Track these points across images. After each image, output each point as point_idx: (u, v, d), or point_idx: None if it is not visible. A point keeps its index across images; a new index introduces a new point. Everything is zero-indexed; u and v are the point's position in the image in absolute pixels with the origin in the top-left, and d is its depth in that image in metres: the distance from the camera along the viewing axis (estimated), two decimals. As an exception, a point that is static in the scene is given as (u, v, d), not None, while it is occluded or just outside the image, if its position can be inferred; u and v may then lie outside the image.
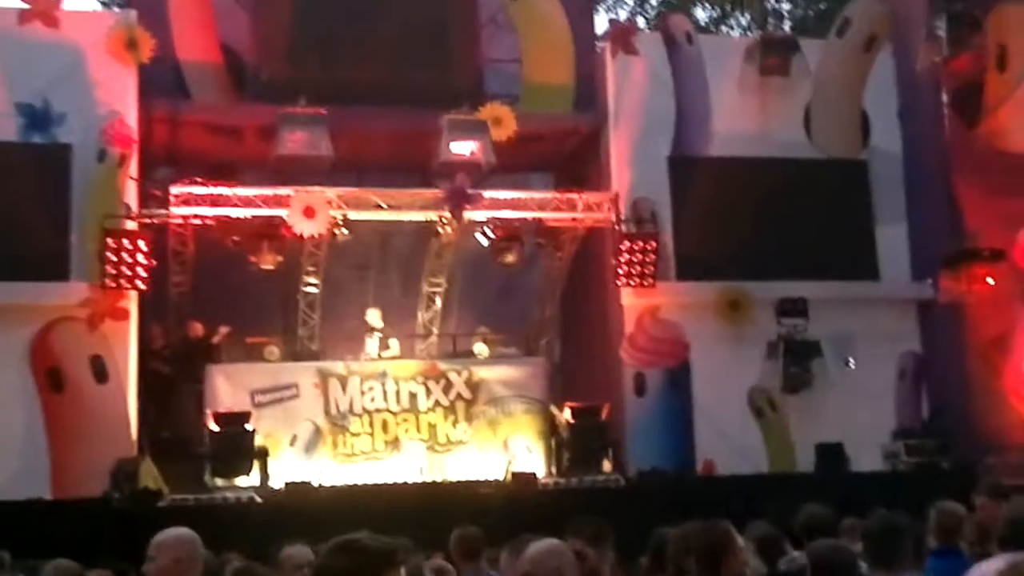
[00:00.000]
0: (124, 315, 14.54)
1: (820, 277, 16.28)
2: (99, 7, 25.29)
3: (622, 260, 15.67)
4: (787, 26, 25.24)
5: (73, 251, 14.61)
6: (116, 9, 22.02)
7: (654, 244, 15.75)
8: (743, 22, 26.57)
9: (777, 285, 16.16)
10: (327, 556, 3.24)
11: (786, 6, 26.41)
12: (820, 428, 15.37)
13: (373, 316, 15.91)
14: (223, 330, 15.13)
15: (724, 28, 26.79)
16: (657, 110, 16.81)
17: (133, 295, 14.58)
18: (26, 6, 15.19)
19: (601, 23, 21.75)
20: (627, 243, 15.68)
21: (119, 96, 15.07)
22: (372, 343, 15.71)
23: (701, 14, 26.71)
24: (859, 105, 17.55)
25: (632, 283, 15.77)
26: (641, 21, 25.95)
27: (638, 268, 15.68)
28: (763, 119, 17.15)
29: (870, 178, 17.38)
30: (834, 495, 7.68)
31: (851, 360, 16.27)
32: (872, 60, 17.71)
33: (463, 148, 15.88)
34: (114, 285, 14.14)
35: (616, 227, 15.99)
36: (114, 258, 14.03)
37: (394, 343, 15.87)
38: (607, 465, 14.70)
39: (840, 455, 14.72)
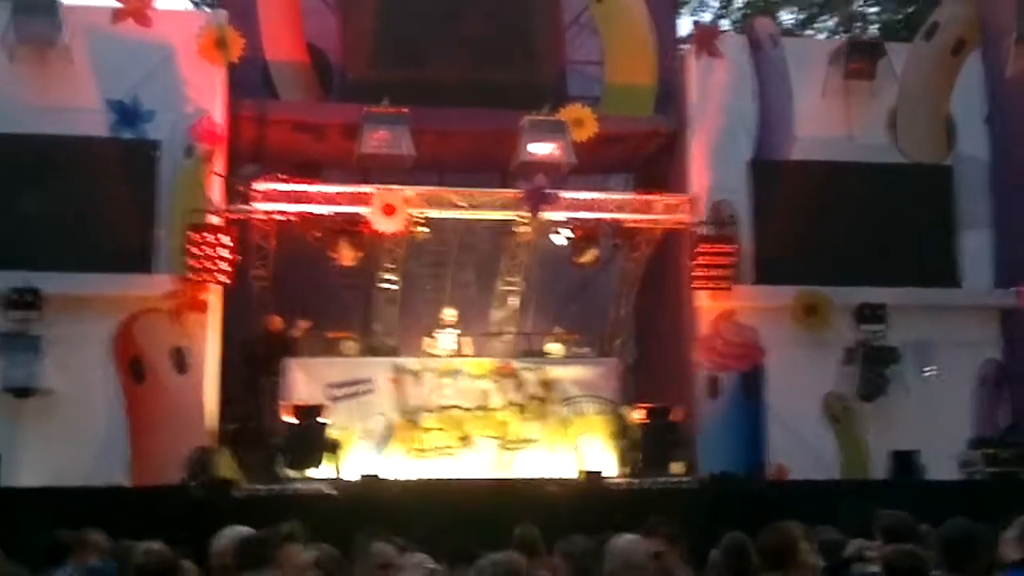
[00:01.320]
0: (206, 308, 14.87)
1: (900, 283, 16.10)
2: (190, 7, 25.86)
3: (699, 263, 15.64)
4: (873, 29, 24.98)
5: (158, 244, 14.97)
6: (207, 9, 22.50)
7: (733, 247, 15.70)
8: (829, 25, 26.35)
9: (856, 290, 16.02)
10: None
11: (873, 9, 26.08)
12: (895, 436, 15.18)
13: (448, 313, 16.07)
14: (302, 324, 15.41)
15: (810, 31, 26.56)
16: (739, 113, 16.73)
17: (215, 288, 14.93)
18: (119, 5, 15.60)
19: (685, 25, 21.72)
20: (705, 246, 15.65)
21: (207, 94, 15.41)
22: (446, 340, 15.86)
23: (787, 17, 26.50)
24: (945, 110, 17.28)
25: (709, 286, 15.74)
26: (725, 23, 25.89)
27: (715, 271, 15.64)
28: (847, 123, 16.96)
29: (954, 184, 17.10)
30: (908, 503, 7.59)
31: (931, 368, 16.03)
32: (960, 65, 17.42)
33: (543, 148, 15.96)
34: (197, 278, 14.49)
35: (694, 229, 15.96)
36: (198, 252, 14.37)
37: (465, 341, 16.00)
38: (678, 467, 14.71)
39: (915, 463, 14.51)
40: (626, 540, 5.28)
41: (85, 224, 14.70)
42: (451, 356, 15.77)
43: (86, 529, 7.67)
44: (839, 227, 16.33)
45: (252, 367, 15.49)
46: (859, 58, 17.01)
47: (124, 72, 15.22)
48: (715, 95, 16.87)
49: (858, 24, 23.57)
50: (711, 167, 16.62)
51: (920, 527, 6.54)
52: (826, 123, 16.84)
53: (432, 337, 15.89)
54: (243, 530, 5.19)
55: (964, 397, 16.22)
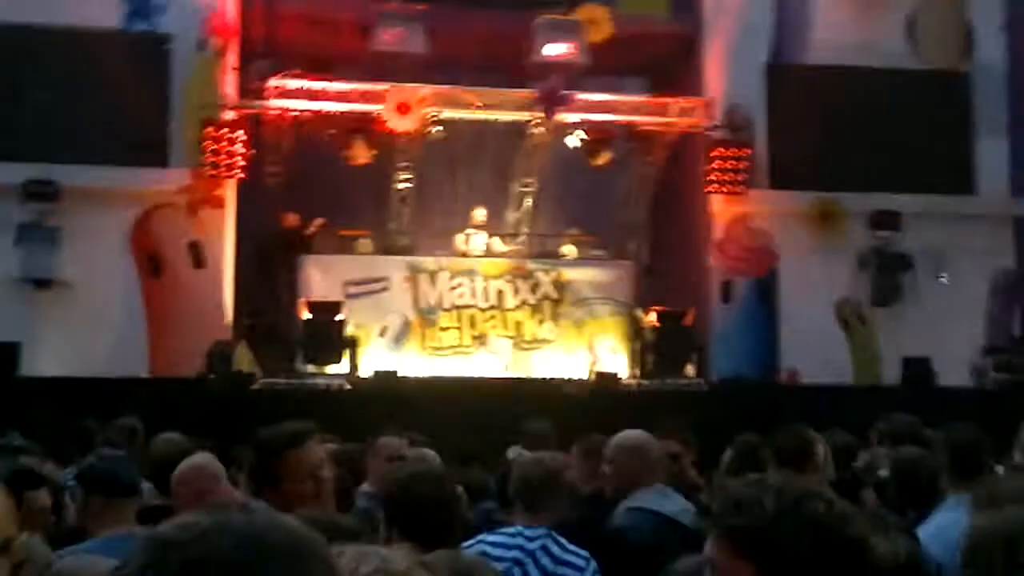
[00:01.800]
0: (222, 203, 14.88)
1: (915, 190, 16.09)
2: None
3: (714, 167, 15.62)
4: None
5: (173, 139, 14.92)
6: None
7: (747, 151, 15.67)
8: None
9: (871, 197, 16.03)
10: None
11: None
12: (908, 342, 15.23)
13: (479, 214, 16.06)
14: (317, 221, 15.40)
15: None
16: (755, 16, 16.55)
17: (231, 184, 14.90)
18: None
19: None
20: (720, 149, 15.63)
21: (221, -14, 15.24)
22: (477, 239, 15.88)
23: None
24: (964, 16, 17.09)
25: (724, 190, 15.75)
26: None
27: (730, 175, 15.65)
28: (864, 28, 16.78)
29: (972, 91, 17.01)
30: (919, 409, 7.68)
31: (944, 275, 16.09)
32: (979, -29, 17.25)
33: (557, 49, 15.83)
34: (212, 173, 14.47)
35: (709, 133, 15.90)
36: (213, 147, 14.33)
37: (496, 241, 16.04)
38: (690, 370, 14.84)
39: (927, 369, 14.61)
40: (633, 433, 5.30)
41: (100, 117, 14.59)
42: (484, 256, 15.79)
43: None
44: (855, 133, 16.27)
45: (268, 263, 15.51)
46: (878, -39, 16.81)
47: (138, -38, 15.03)
48: (731, -2, 16.69)
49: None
50: (727, 71, 16.51)
51: (926, 431, 6.63)
52: (843, 28, 16.67)
53: (465, 234, 15.88)
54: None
55: (977, 305, 16.26)
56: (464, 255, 15.77)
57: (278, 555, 1.30)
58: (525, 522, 4.29)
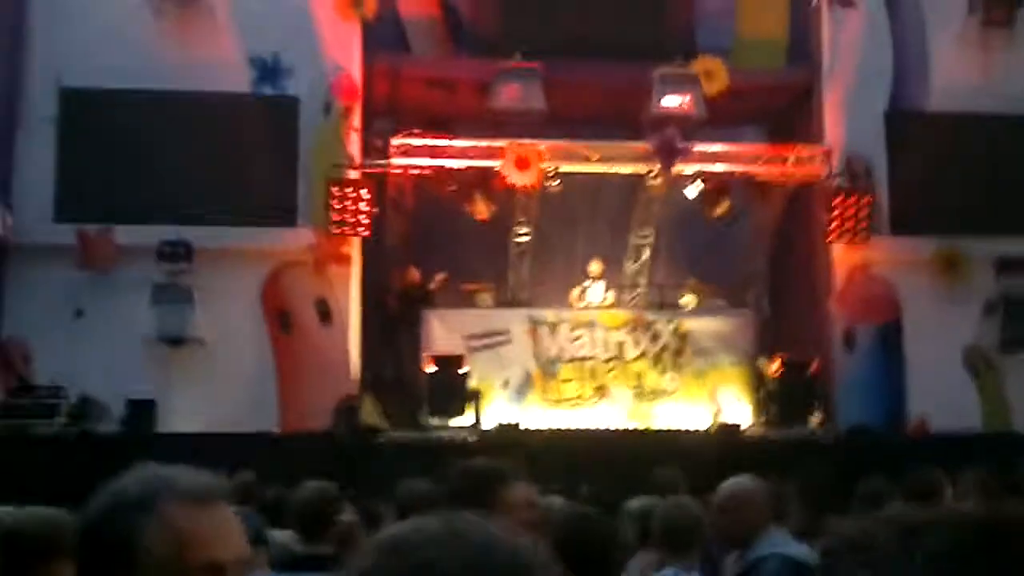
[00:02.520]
0: (347, 260, 15.25)
1: (1042, 234, 15.81)
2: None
3: (834, 215, 15.53)
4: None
5: (300, 199, 15.35)
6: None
7: (868, 199, 15.55)
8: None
9: (996, 242, 15.77)
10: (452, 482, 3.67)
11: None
12: (1039, 389, 14.98)
13: (595, 267, 16.20)
14: (439, 276, 15.68)
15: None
16: (874, 63, 16.48)
17: (356, 241, 15.27)
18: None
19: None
20: (840, 198, 15.53)
21: (344, 50, 15.69)
22: (593, 292, 16.01)
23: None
24: (1087, 57, 16.83)
25: (844, 239, 15.62)
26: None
27: (851, 223, 15.51)
28: (985, 73, 16.61)
29: (1096, 133, 16.69)
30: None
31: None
32: (1102, 11, 16.94)
33: (674, 101, 15.95)
34: (338, 231, 14.84)
35: (829, 182, 15.84)
36: (338, 206, 14.71)
37: (610, 294, 16.15)
38: (815, 419, 14.70)
39: (1058, 416, 14.34)
40: (746, 479, 5.34)
41: (230, 179, 15.13)
42: (600, 308, 15.90)
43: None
44: (976, 178, 16.04)
45: (392, 318, 15.82)
46: (997, 6, 16.63)
47: (264, 29, 15.50)
48: (849, 46, 16.65)
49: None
50: (845, 119, 16.44)
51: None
52: (963, 73, 16.50)
53: (581, 288, 16.02)
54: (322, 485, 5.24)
55: (1110, 350, 15.86)
56: (581, 307, 15.86)
57: (506, 567, 1.29)
58: (673, 565, 4.36)
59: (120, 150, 15.09)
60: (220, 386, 14.42)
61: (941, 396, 15.17)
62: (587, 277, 16.16)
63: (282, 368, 14.83)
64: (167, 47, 15.33)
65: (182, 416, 13.99)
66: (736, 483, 5.25)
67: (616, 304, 16.17)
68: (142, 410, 13.32)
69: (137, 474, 2.05)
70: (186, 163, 15.14)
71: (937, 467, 5.80)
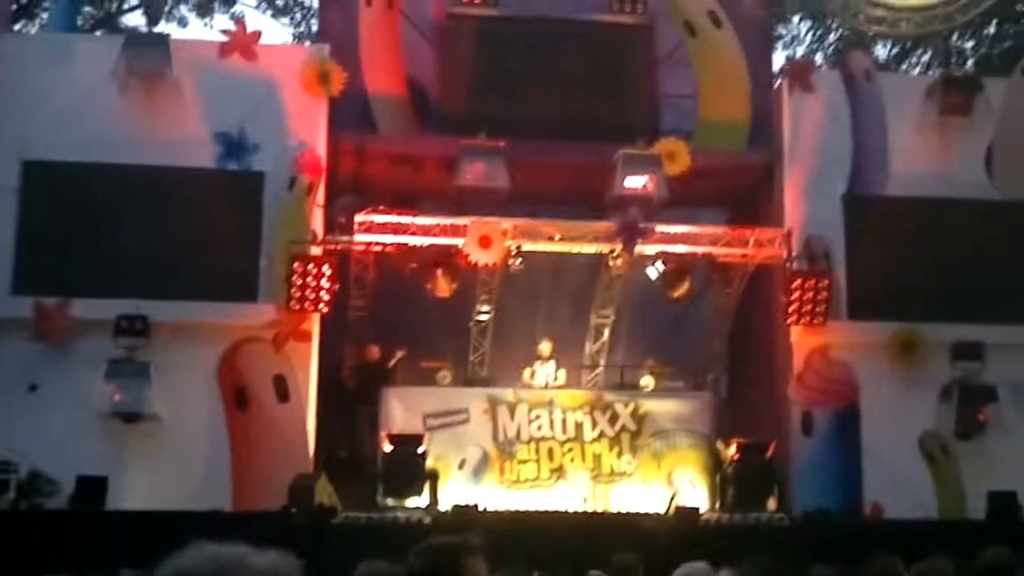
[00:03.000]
0: (307, 337, 15.18)
1: (998, 320, 15.92)
2: (292, 41, 26.44)
3: (793, 298, 15.63)
4: (970, 64, 24.76)
5: (262, 274, 15.33)
6: (309, 43, 22.97)
7: (826, 282, 15.66)
8: (924, 60, 26.16)
9: (953, 328, 15.88)
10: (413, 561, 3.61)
11: (969, 44, 25.85)
12: (994, 476, 14.97)
13: (545, 347, 16.23)
14: (399, 354, 15.67)
15: (904, 66, 26.39)
16: (833, 148, 16.71)
17: (316, 318, 15.23)
18: (226, 40, 16.06)
19: (778, 60, 21.73)
20: (799, 280, 15.63)
21: (310, 127, 15.77)
22: (542, 372, 16.01)
23: (881, 51, 26.37)
24: (1043, 147, 17.09)
25: (803, 321, 15.70)
26: (819, 58, 25.83)
27: (809, 306, 15.61)
28: (943, 159, 16.86)
29: (1052, 221, 16.92)
30: (1006, 545, 7.56)
31: (1028, 407, 15.85)
32: (1059, 100, 17.25)
33: (636, 182, 16.10)
34: (299, 308, 14.79)
35: (788, 264, 15.96)
36: (300, 282, 14.68)
37: (561, 373, 16.14)
38: (772, 503, 14.70)
39: (1014, 504, 14.31)
40: (700, 565, 5.38)
41: (192, 254, 15.12)
42: (550, 388, 15.89)
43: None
44: (935, 263, 16.22)
45: (350, 396, 15.75)
46: (955, 93, 16.92)
47: (230, 105, 15.60)
48: (809, 130, 16.88)
49: (954, 59, 23.40)
50: (805, 202, 16.62)
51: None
52: (921, 159, 16.76)
53: (531, 369, 16.03)
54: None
55: (1065, 437, 15.96)
56: (529, 387, 15.89)
57: None
58: None
59: (81, 223, 15.10)
60: (174, 463, 14.31)
61: (897, 482, 15.23)
62: (536, 357, 16.16)
63: (237, 446, 14.71)
64: (132, 122, 15.38)
65: (134, 493, 13.85)
66: (691, 568, 5.28)
67: (567, 384, 16.13)
68: (92, 487, 13.15)
69: (203, 554, 2.03)
70: (147, 237, 15.11)
71: (893, 555, 5.80)
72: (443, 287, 15.54)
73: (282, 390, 14.90)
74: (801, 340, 16.04)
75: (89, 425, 14.30)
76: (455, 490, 14.70)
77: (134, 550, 8.90)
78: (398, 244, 15.46)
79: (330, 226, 15.65)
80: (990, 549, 6.96)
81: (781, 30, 26.65)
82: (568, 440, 15.48)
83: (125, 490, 13.83)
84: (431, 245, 15.48)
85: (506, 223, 15.57)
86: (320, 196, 15.71)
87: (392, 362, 15.67)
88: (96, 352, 14.48)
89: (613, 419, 15.60)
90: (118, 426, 14.46)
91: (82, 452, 13.85)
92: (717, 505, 15.05)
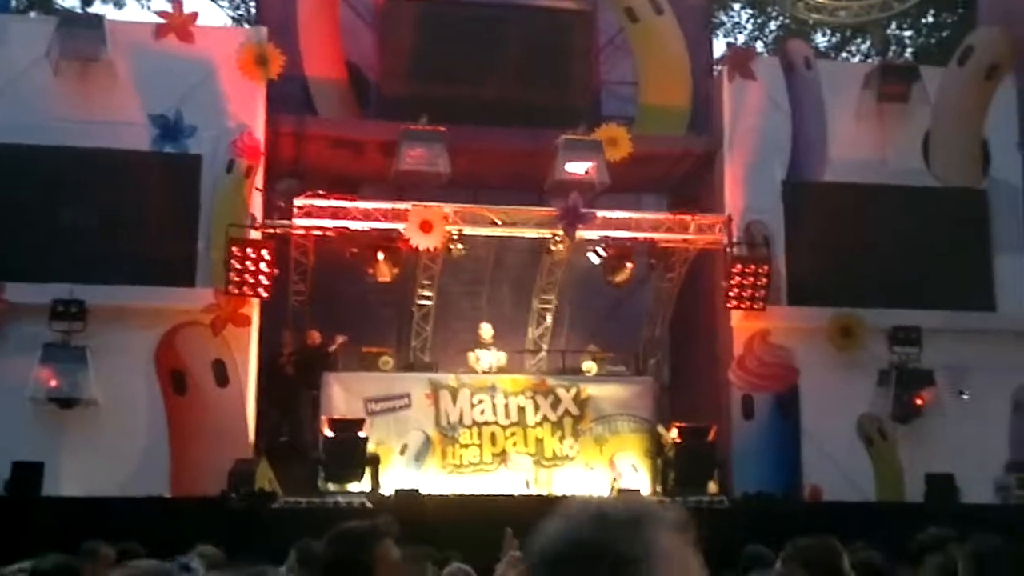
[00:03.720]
0: (246, 321, 15.02)
1: (935, 306, 16.15)
2: (231, 23, 26.12)
3: (733, 283, 15.71)
4: (908, 53, 25.05)
5: (199, 258, 15.15)
6: (247, 26, 22.71)
7: (766, 268, 15.76)
8: (863, 48, 26.43)
9: (891, 313, 16.07)
10: (325, 550, 3.60)
11: (907, 33, 26.16)
12: (931, 458, 15.17)
13: (486, 330, 16.19)
14: (340, 339, 15.54)
15: (844, 54, 26.64)
16: (773, 134, 16.84)
17: (255, 302, 15.06)
18: (162, 21, 15.83)
19: (719, 47, 21.83)
20: (739, 266, 15.71)
21: (248, 110, 15.60)
22: (487, 357, 15.97)
23: (821, 39, 26.60)
24: (980, 134, 17.34)
25: (743, 306, 15.79)
26: (759, 46, 25.98)
27: (749, 291, 15.70)
28: (881, 146, 17.07)
29: (989, 208, 17.16)
30: (943, 526, 7.62)
31: (965, 392, 16.05)
32: (993, 89, 17.49)
33: (578, 168, 16.10)
34: (237, 292, 14.62)
35: (728, 250, 16.04)
36: (238, 266, 14.51)
37: (502, 357, 16.12)
38: (712, 486, 14.78)
39: (951, 486, 14.52)
40: None
41: (128, 237, 14.91)
42: (492, 373, 15.85)
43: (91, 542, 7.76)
44: (873, 249, 16.42)
45: (290, 381, 15.61)
46: (893, 81, 17.13)
47: (166, 87, 15.41)
48: (749, 116, 16.98)
49: (893, 48, 23.68)
50: (745, 188, 16.72)
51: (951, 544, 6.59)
52: (860, 146, 16.94)
53: (475, 354, 15.98)
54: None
55: (1000, 421, 16.20)
56: (473, 372, 15.84)
57: None
58: None
59: (15, 206, 14.82)
60: (111, 449, 14.11)
61: (836, 465, 15.40)
62: (478, 342, 16.12)
63: (175, 431, 14.53)
64: (66, 104, 15.13)
65: (71, 479, 13.63)
66: None
67: (509, 369, 16.12)
68: (28, 473, 12.92)
69: None
70: (83, 220, 14.92)
71: (830, 535, 5.82)
72: (384, 272, 15.46)
73: (221, 375, 14.74)
74: (741, 325, 16.14)
75: (24, 410, 14.06)
76: (397, 475, 14.65)
77: (72, 536, 8.80)
78: (338, 228, 15.32)
79: (269, 210, 15.46)
80: (928, 530, 7.03)
81: (722, 17, 26.84)
82: (511, 424, 15.46)
83: (62, 476, 13.61)
84: (372, 229, 15.37)
85: (447, 208, 15.48)
86: (259, 179, 15.54)
87: (333, 347, 15.54)
88: (31, 336, 14.25)
89: (555, 404, 15.61)
90: (54, 411, 14.23)
91: (17, 438, 13.63)
92: (658, 488, 15.10)
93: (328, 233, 15.38)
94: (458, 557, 6.75)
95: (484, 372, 15.80)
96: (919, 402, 15.74)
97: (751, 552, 6.59)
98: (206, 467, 13.93)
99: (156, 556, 8.01)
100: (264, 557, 6.91)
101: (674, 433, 14.98)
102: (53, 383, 14.14)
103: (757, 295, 15.70)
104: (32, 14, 23.50)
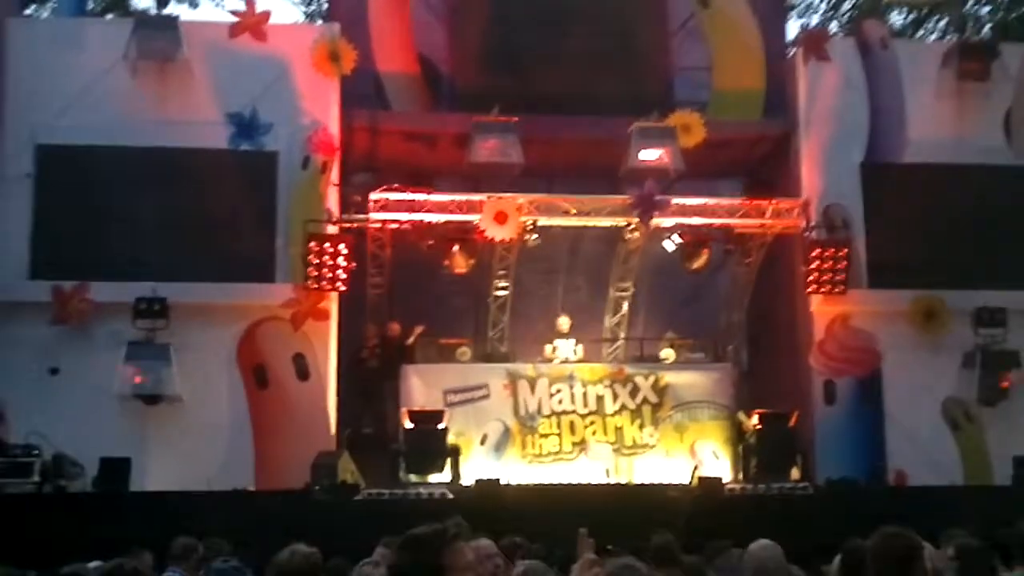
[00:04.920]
0: (325, 316, 15.19)
1: (1019, 286, 15.83)
2: (304, 20, 26.36)
3: (813, 267, 15.55)
4: (986, 30, 24.57)
5: (278, 254, 15.33)
6: (320, 22, 22.88)
7: (845, 251, 15.59)
8: (940, 26, 25.97)
9: (974, 294, 15.82)
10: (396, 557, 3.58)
11: (986, 9, 25.66)
12: (1018, 441, 14.90)
13: (563, 322, 16.19)
14: (417, 329, 15.64)
15: (921, 32, 26.21)
16: (850, 116, 16.62)
17: (334, 296, 15.22)
18: (236, 20, 16.00)
19: (793, 29, 21.59)
20: (818, 250, 15.57)
21: (322, 106, 15.72)
22: (564, 347, 15.95)
23: (896, 18, 26.20)
24: (1061, 109, 16.95)
25: (823, 290, 15.64)
26: (834, 26, 25.66)
27: (829, 275, 15.55)
28: (961, 125, 16.76)
29: (1071, 185, 16.80)
30: (1034, 508, 7.50)
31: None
32: (1076, 63, 17.09)
33: (652, 155, 16.00)
34: (316, 287, 14.81)
35: (806, 234, 15.88)
36: (316, 261, 14.70)
37: (580, 348, 16.09)
38: (795, 473, 14.62)
39: (1040, 468, 14.30)
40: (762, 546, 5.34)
41: (208, 235, 15.13)
42: (570, 363, 15.83)
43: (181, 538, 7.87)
44: (954, 230, 16.15)
45: (373, 372, 15.74)
46: (972, 59, 16.80)
47: (241, 86, 15.59)
48: (825, 99, 16.78)
49: (970, 25, 23.20)
50: (822, 171, 16.53)
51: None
52: (939, 125, 16.66)
53: (552, 345, 15.98)
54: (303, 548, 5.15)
55: (1087, 400, 15.86)
56: (549, 362, 15.83)
57: None
58: None
59: (96, 207, 15.07)
60: (196, 443, 14.34)
61: (921, 449, 15.18)
62: (556, 333, 16.12)
63: (258, 425, 14.73)
64: (144, 104, 15.36)
65: (157, 474, 13.87)
66: (761, 546, 5.26)
67: (587, 358, 16.08)
68: (116, 469, 13.15)
69: None
70: (163, 219, 15.14)
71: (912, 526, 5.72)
72: (460, 263, 15.54)
73: (302, 369, 14.94)
74: (821, 309, 15.98)
75: (110, 407, 14.34)
76: (477, 465, 14.68)
77: (159, 531, 8.95)
78: (414, 221, 15.40)
79: (345, 205, 15.63)
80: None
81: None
82: (589, 413, 15.44)
83: (148, 471, 13.83)
84: (447, 222, 15.44)
85: (521, 198, 15.50)
86: (334, 175, 15.67)
87: (411, 338, 15.64)
88: (116, 334, 14.55)
89: (634, 392, 15.56)
90: (139, 408, 14.50)
91: (104, 434, 13.86)
92: (740, 476, 14.98)
93: (404, 226, 15.47)
94: (540, 551, 6.72)
95: (561, 362, 15.77)
96: (1005, 384, 15.47)
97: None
98: (289, 460, 14.09)
99: (241, 550, 8.15)
100: (349, 550, 7.00)
101: (755, 420, 14.84)
102: (138, 380, 14.40)
103: (837, 279, 15.54)
104: (109, 17, 23.88)
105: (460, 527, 3.80)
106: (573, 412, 15.43)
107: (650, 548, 7.87)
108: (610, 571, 4.59)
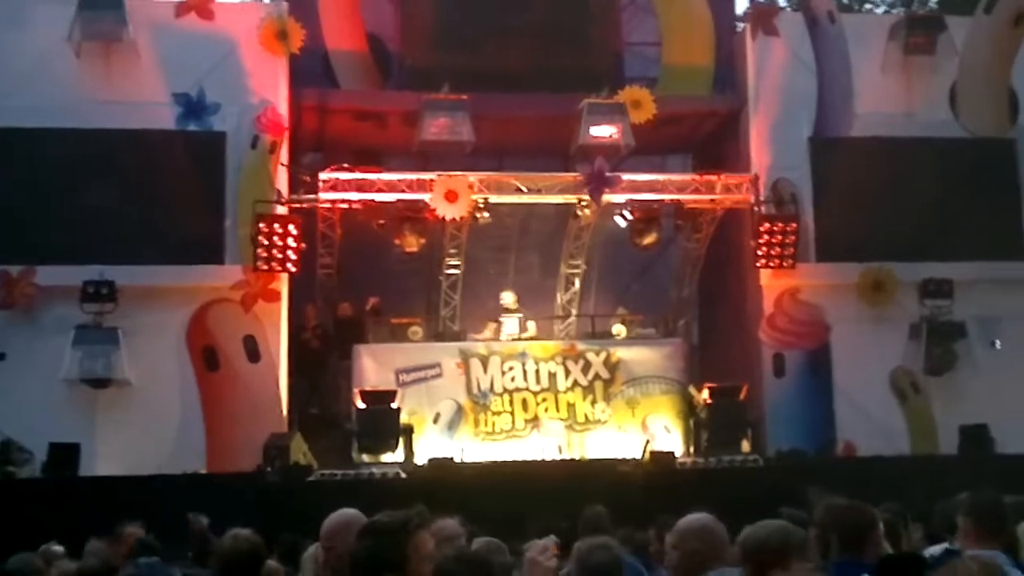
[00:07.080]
0: (276, 297, 15.12)
1: (965, 258, 16.01)
2: (251, -1, 26.07)
3: (762, 241, 15.63)
4: (932, 3, 24.75)
5: (227, 235, 15.23)
6: (267, 1, 22.67)
7: (794, 225, 15.67)
8: (887, 0, 26.14)
9: (921, 266, 16.00)
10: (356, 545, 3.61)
11: (932, -19, 25.86)
12: (964, 410, 15.12)
13: (508, 298, 16.22)
14: (372, 300, 15.60)
15: (867, 7, 26.34)
16: (798, 91, 16.69)
17: (284, 277, 15.15)
18: (182, -1, 15.86)
19: (741, 4, 21.60)
20: (767, 224, 15.64)
21: (270, 85, 15.61)
22: (510, 324, 15.99)
23: (844, -8, 26.31)
24: (1007, 83, 17.12)
25: (772, 264, 15.73)
26: (782, 1, 25.71)
27: (778, 249, 15.63)
28: (907, 99, 16.88)
29: (1018, 157, 16.99)
30: (978, 477, 7.60)
31: (997, 341, 15.97)
32: (1020, 37, 17.20)
33: (602, 131, 16.02)
34: (266, 268, 14.72)
35: (755, 208, 15.96)
36: (266, 242, 14.59)
37: (531, 324, 16.13)
38: (745, 445, 14.77)
39: (985, 437, 14.50)
40: (702, 516, 5.34)
41: (156, 216, 15.01)
42: (522, 340, 15.88)
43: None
44: (902, 203, 16.24)
45: (316, 353, 15.70)
46: (919, 33, 16.91)
47: (188, 65, 15.44)
48: (773, 74, 16.85)
49: (917, -2, 23.42)
50: (771, 145, 16.61)
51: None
52: (886, 99, 16.76)
53: (497, 322, 16.01)
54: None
55: (1034, 369, 16.08)
56: (496, 340, 15.86)
57: None
58: None
59: (42, 189, 14.89)
60: (146, 427, 14.28)
61: (869, 420, 15.35)
62: (500, 309, 16.14)
63: (209, 407, 14.66)
64: (89, 85, 15.19)
65: (107, 459, 13.82)
66: (690, 520, 5.23)
67: (539, 335, 16.13)
68: (65, 454, 13.10)
69: None
70: (110, 201, 14.97)
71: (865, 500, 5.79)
72: (411, 243, 15.51)
73: (252, 350, 14.86)
74: (771, 283, 16.09)
75: (59, 392, 14.22)
76: (430, 444, 14.72)
77: (111, 515, 8.92)
78: (364, 201, 15.35)
79: (295, 185, 15.52)
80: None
81: (744, -26, 26.54)
82: (542, 390, 15.51)
83: (98, 456, 13.79)
84: (397, 201, 15.39)
85: (472, 176, 15.48)
86: (284, 155, 15.56)
87: (368, 306, 15.62)
88: (63, 319, 14.41)
89: (586, 368, 15.63)
90: (88, 392, 14.38)
91: (53, 420, 13.79)
92: (692, 449, 15.12)
93: (354, 206, 15.41)
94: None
95: (509, 339, 15.80)
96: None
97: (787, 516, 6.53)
98: (241, 442, 14.07)
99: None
100: (302, 531, 7.01)
101: (705, 394, 14.98)
102: (86, 364, 14.28)
103: (786, 253, 15.63)
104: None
105: (423, 515, 3.78)
106: (526, 389, 15.49)
107: (580, 520, 7.94)
108: (583, 549, 4.63)
